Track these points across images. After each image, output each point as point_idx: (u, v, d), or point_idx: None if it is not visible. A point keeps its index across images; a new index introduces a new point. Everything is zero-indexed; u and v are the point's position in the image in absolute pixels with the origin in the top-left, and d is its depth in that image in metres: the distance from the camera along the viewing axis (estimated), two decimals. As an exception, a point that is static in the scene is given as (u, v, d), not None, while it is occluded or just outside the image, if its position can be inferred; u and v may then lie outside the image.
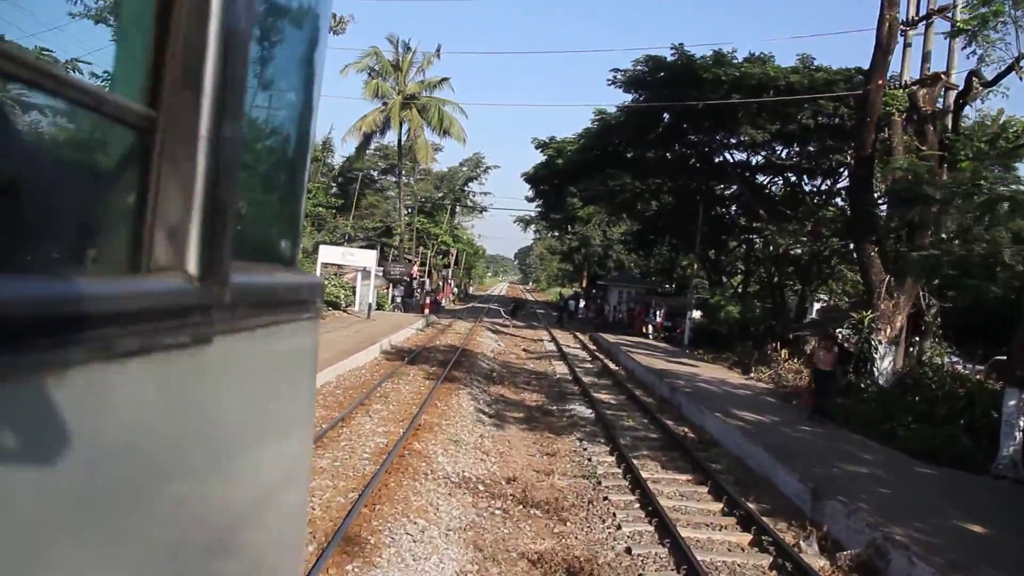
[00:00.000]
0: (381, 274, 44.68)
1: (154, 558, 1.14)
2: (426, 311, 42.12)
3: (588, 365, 26.36)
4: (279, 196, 1.93)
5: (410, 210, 57.20)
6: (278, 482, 1.78)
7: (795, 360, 23.06)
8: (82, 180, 1.21)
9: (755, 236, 37.89)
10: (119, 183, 1.17)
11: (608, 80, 33.27)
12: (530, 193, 58.38)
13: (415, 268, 48.68)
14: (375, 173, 70.35)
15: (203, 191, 1.19)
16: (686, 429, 15.76)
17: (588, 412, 16.92)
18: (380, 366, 20.19)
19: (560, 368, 24.80)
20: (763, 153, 37.22)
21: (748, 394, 19.52)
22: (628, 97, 35.25)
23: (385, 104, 48.61)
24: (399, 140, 50.39)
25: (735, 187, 40.93)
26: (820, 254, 28.76)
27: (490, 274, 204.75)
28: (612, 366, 26.15)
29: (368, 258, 29.87)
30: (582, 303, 60.76)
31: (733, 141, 36.07)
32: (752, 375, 23.50)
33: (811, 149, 31.49)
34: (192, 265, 1.17)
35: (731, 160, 37.72)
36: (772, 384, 21.87)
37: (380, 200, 65.15)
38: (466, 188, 68.58)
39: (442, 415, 14.50)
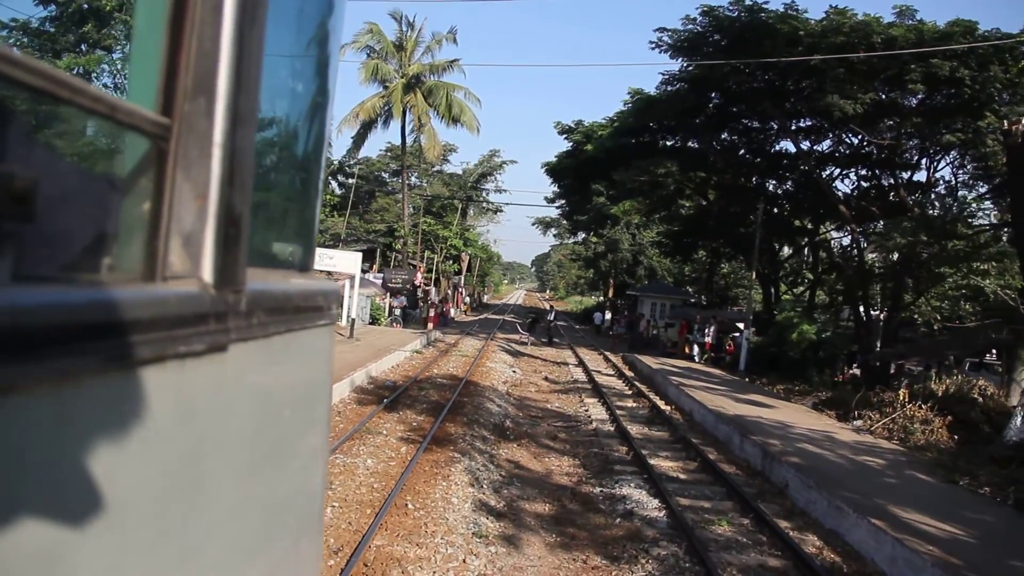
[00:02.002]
0: (380, 282, 38.75)
1: (169, 567, 1.12)
2: (430, 325, 36.00)
3: (630, 404, 20.11)
4: (293, 201, 1.90)
5: (415, 210, 51.10)
6: (295, 490, 1.74)
7: (917, 404, 16.72)
8: (98, 188, 1.21)
9: (829, 238, 31.59)
10: (134, 191, 1.14)
11: (651, 44, 27.07)
12: (551, 193, 52.66)
13: (419, 275, 42.52)
14: (386, 175, 64.99)
15: (218, 198, 1.18)
16: (820, 543, 9.59)
17: (652, 503, 10.76)
18: (342, 416, 14.05)
19: (595, 409, 18.58)
20: (830, 138, 31.11)
21: (882, 465, 13.22)
22: (675, 66, 29.09)
23: (386, 88, 42.67)
24: (402, 128, 44.41)
25: (789, 183, 34.88)
26: (919, 258, 22.17)
27: (506, 281, 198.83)
28: (661, 404, 19.91)
29: (352, 262, 23.87)
30: (608, 315, 54.32)
31: (799, 125, 29.85)
32: (858, 423, 17.22)
33: (905, 130, 25.10)
34: (207, 272, 1.18)
35: (794, 150, 31.55)
36: (895, 440, 15.59)
37: (391, 203, 59.38)
38: (479, 186, 62.38)
39: (414, 529, 8.41)
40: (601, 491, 11.44)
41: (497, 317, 59.48)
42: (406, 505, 9.16)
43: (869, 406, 18.17)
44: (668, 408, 19.62)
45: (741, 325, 36.74)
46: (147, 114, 1.07)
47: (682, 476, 12.69)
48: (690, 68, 27.75)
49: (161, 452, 1.07)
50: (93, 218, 1.11)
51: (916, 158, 28.36)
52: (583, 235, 60.95)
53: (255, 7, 1.25)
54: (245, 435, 1.40)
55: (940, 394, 16.78)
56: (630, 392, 22.35)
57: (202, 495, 1.21)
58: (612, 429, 16.14)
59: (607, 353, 33.89)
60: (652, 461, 13.21)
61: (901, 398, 17.02)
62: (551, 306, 39.91)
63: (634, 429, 16.14)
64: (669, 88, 29.94)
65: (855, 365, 27.74)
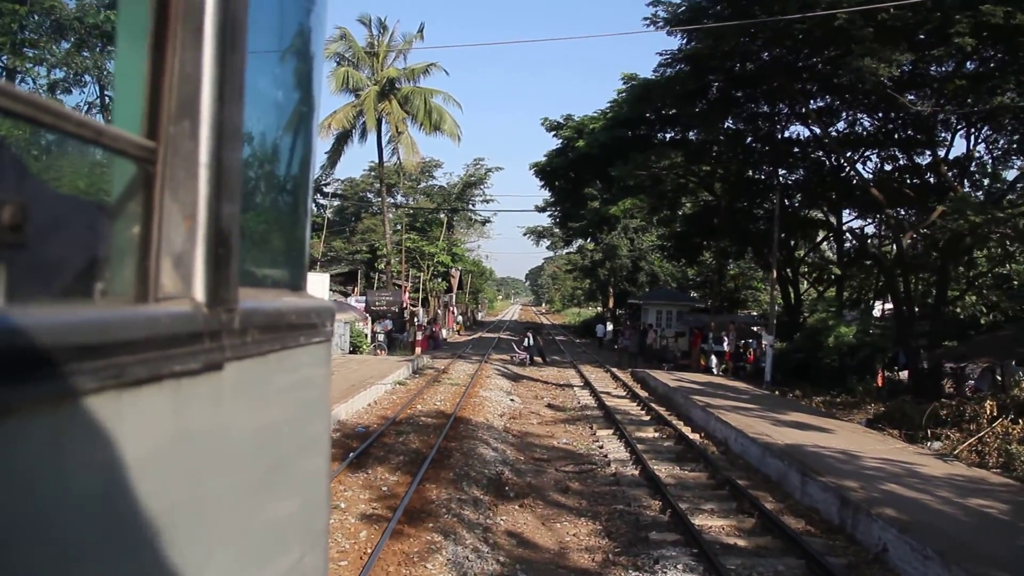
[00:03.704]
0: (363, 306, 35.56)
1: None
2: (418, 350, 32.78)
3: (651, 433, 16.91)
4: (283, 219, 1.89)
5: (399, 227, 47.88)
6: (297, 506, 1.70)
7: (1009, 418, 13.56)
8: (87, 213, 1.24)
9: (854, 227, 28.58)
10: (123, 214, 1.14)
11: (645, 20, 23.95)
12: (541, 202, 49.81)
13: (406, 295, 39.30)
14: (371, 195, 62.02)
15: (206, 218, 1.19)
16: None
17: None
18: (290, 483, 10.83)
19: (611, 444, 15.37)
20: (844, 120, 28.33)
21: (1006, 511, 9.92)
22: (673, 44, 26.19)
23: (358, 97, 39.62)
24: (378, 138, 41.29)
25: (800, 171, 32.00)
26: (988, 239, 18.97)
27: (500, 297, 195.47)
28: (687, 431, 16.75)
29: (319, 286, 20.69)
30: (609, 326, 51.04)
31: (811, 108, 26.85)
32: (936, 445, 14.06)
33: (944, 97, 21.96)
34: (199, 292, 1.18)
35: (807, 134, 28.66)
36: (995, 468, 12.43)
37: (377, 224, 56.21)
38: (466, 195, 59.04)
39: None
40: (638, 578, 8.26)
41: (492, 336, 56.10)
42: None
43: (940, 421, 15.03)
44: (697, 436, 16.47)
45: (756, 329, 33.69)
46: (133, 138, 1.08)
47: (741, 543, 9.51)
48: (691, 44, 24.68)
49: (161, 470, 1.06)
50: (84, 242, 1.13)
51: (943, 133, 25.44)
52: (579, 243, 57.77)
53: (235, 27, 1.25)
54: (245, 452, 1.38)
55: None
56: (648, 417, 19.16)
57: (204, 512, 1.20)
58: (636, 473, 12.94)
59: (614, 369, 30.69)
60: (696, 521, 10.06)
61: (988, 411, 13.83)
62: (529, 333, 36.35)
63: (663, 471, 12.98)
64: (668, 71, 26.90)
65: (895, 368, 24.66)
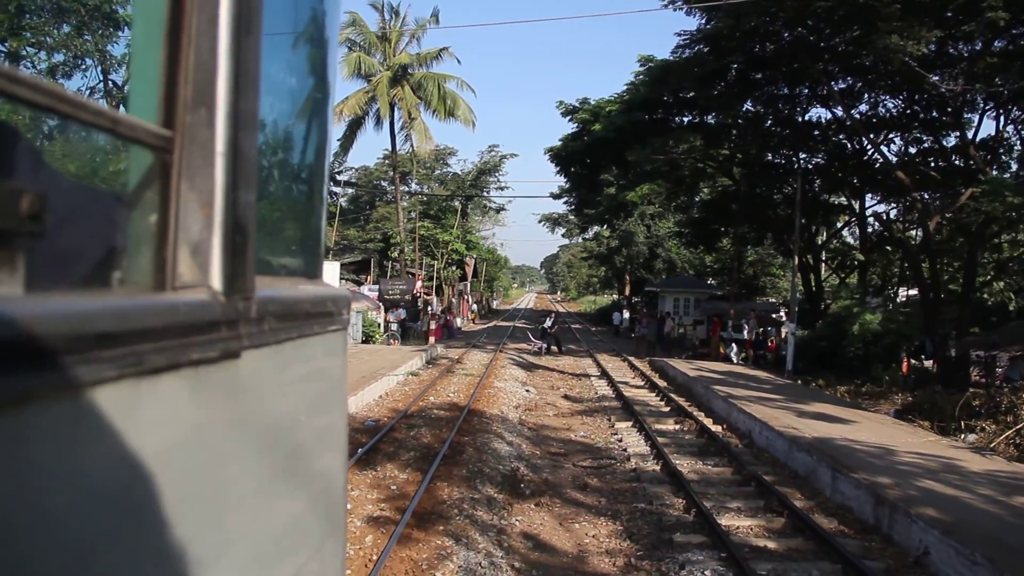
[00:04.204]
0: (376, 295, 35.14)
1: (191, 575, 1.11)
2: (432, 340, 32.29)
3: (671, 425, 16.34)
4: (299, 207, 1.90)
5: (413, 215, 47.37)
6: (316, 494, 1.70)
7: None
8: (105, 202, 1.25)
9: (878, 211, 27.88)
10: (141, 203, 1.14)
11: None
12: (556, 188, 49.20)
13: (419, 284, 38.81)
14: (385, 183, 61.62)
15: (223, 207, 1.19)
16: None
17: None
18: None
19: (630, 437, 14.83)
20: (867, 102, 27.60)
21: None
22: (691, 25, 25.47)
23: (370, 83, 39.11)
24: (391, 124, 40.76)
25: (821, 155, 31.30)
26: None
27: (516, 285, 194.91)
28: (710, 425, 16.15)
29: (329, 273, 20.26)
30: (626, 314, 50.42)
31: (832, 89, 26.08)
32: (972, 437, 13.46)
33: (976, 75, 21.17)
34: (216, 280, 1.18)
35: (828, 116, 27.96)
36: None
37: (392, 212, 55.74)
38: (480, 183, 58.42)
39: None
40: (665, 587, 7.74)
41: (507, 324, 55.56)
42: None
43: (973, 412, 14.39)
44: (719, 429, 15.89)
45: (776, 316, 33.05)
46: (149, 127, 1.08)
47: (770, 545, 8.96)
48: (710, 24, 24.00)
49: (179, 458, 1.06)
50: (102, 231, 1.14)
51: (970, 114, 24.71)
52: (594, 230, 57.02)
53: (250, 14, 1.24)
54: (262, 440, 1.37)
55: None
56: (668, 409, 18.58)
57: (222, 502, 1.20)
58: (658, 469, 12.40)
59: (631, 358, 30.13)
60: (723, 521, 9.53)
61: (1026, 402, 13.20)
62: (552, 315, 36.18)
63: (685, 465, 12.44)
64: (686, 52, 26.24)
65: (921, 357, 23.99)
